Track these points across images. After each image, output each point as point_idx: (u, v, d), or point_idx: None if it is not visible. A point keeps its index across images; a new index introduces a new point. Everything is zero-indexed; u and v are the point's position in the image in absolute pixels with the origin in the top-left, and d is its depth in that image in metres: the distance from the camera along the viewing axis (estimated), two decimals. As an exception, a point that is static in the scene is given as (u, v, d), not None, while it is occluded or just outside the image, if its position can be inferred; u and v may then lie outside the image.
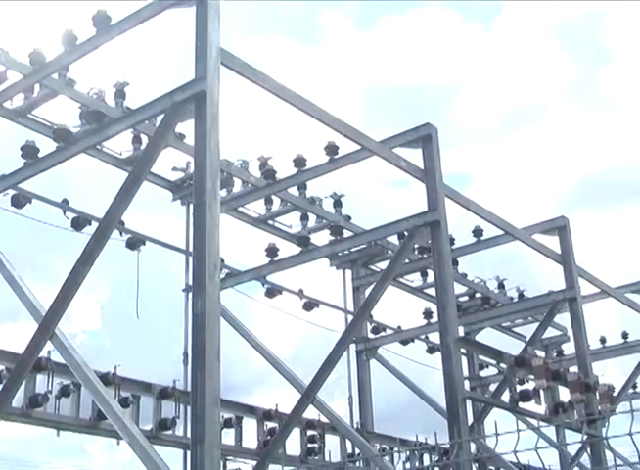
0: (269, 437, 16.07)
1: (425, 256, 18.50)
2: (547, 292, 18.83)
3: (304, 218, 17.75)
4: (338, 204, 17.98)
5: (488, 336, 21.28)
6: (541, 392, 13.56)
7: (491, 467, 18.59)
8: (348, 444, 17.65)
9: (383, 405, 19.99)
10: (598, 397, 14.81)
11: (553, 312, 18.34)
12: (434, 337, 20.25)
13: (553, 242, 18.31)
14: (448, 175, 14.71)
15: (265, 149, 17.13)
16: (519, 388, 14.23)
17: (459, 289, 20.32)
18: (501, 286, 21.42)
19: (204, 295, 9.44)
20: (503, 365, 17.35)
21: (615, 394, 16.41)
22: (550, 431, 18.56)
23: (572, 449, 18.13)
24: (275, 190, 16.71)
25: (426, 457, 18.89)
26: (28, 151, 13.40)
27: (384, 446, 19.02)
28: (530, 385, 14.08)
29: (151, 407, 14.55)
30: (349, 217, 18.14)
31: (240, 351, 17.95)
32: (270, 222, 17.97)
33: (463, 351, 15.85)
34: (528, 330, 21.04)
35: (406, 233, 15.16)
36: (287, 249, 17.16)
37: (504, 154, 65.77)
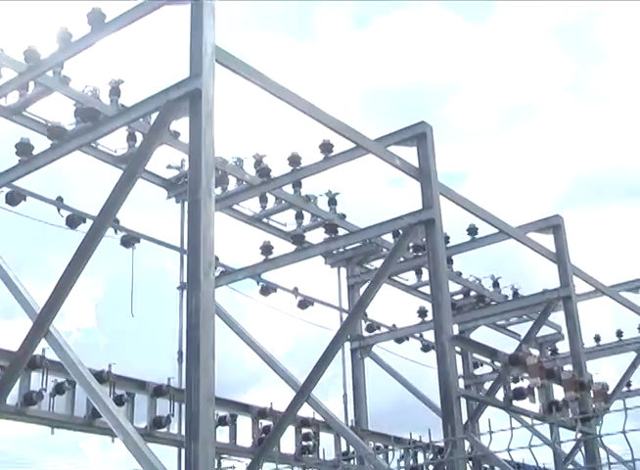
0: (264, 435, 16.06)
1: (420, 254, 18.50)
2: (542, 290, 18.84)
3: (299, 216, 17.75)
4: (332, 202, 17.98)
5: (483, 334, 21.32)
6: (535, 390, 13.57)
7: (486, 465, 18.64)
8: (343, 442, 17.66)
9: (377, 403, 20.01)
10: (592, 395, 14.84)
11: (547, 311, 18.36)
12: (429, 335, 20.32)
13: (548, 240, 18.33)
14: (443, 174, 14.74)
15: (260, 147, 17.15)
16: (513, 386, 14.26)
17: (454, 287, 20.33)
18: (496, 284, 21.44)
19: (198, 292, 9.44)
20: (497, 364, 17.34)
21: (609, 392, 16.43)
22: (544, 429, 18.56)
23: (567, 448, 18.15)
24: (270, 188, 16.71)
25: (420, 455, 18.91)
26: (23, 148, 13.38)
27: (378, 444, 19.02)
28: (525, 383, 14.11)
29: (145, 405, 14.54)
30: (344, 215, 18.16)
31: (234, 348, 17.96)
32: (265, 220, 17.98)
33: (457, 349, 15.89)
34: (523, 328, 21.10)
35: (401, 231, 15.16)
36: (281, 247, 17.18)
37: (499, 152, 65.85)
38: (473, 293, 21.31)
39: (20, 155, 13.29)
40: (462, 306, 21.21)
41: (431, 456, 16.06)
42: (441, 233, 14.19)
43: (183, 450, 9.99)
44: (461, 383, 18.47)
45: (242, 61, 11.57)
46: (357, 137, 13.75)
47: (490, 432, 6.54)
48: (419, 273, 20.41)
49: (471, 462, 17.26)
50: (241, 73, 11.56)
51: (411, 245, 18.09)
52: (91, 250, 11.10)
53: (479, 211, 16.37)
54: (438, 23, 65.63)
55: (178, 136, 15.19)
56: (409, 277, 20.68)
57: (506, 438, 6.37)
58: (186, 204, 12.75)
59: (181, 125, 12.31)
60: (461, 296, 21.45)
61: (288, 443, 16.60)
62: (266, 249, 16.74)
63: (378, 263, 19.13)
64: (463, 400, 13.67)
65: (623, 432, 5.87)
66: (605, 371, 24.78)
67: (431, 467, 14.03)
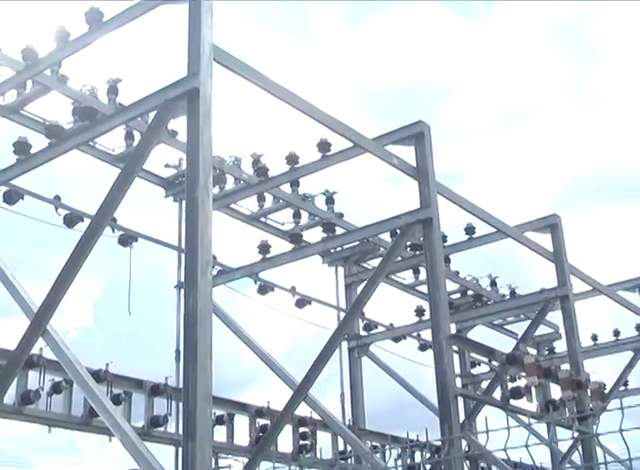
0: (261, 434, 16.07)
1: (417, 253, 18.49)
2: (539, 290, 18.87)
3: (297, 216, 17.75)
4: (330, 201, 17.99)
5: (480, 333, 21.35)
6: (533, 389, 13.58)
7: (483, 464, 18.65)
8: (340, 441, 17.66)
9: (374, 403, 20.02)
10: (589, 394, 14.85)
11: (545, 310, 18.37)
12: (427, 334, 20.27)
13: (545, 240, 18.34)
14: (441, 173, 14.75)
15: (258, 146, 17.17)
16: (510, 385, 14.25)
17: (451, 286, 20.33)
18: (493, 284, 21.44)
19: (195, 291, 9.44)
20: (495, 363, 17.38)
21: (606, 391, 16.46)
22: (542, 428, 18.61)
23: (564, 447, 18.18)
24: (267, 187, 16.71)
25: (417, 454, 18.93)
26: (21, 147, 13.38)
27: (375, 443, 19.02)
28: (522, 382, 14.09)
29: (143, 404, 14.54)
30: (342, 215, 18.16)
31: (232, 348, 17.98)
32: (262, 219, 17.97)
33: (455, 348, 15.88)
34: (520, 328, 21.10)
35: (398, 230, 15.16)
36: (279, 246, 17.18)
37: (497, 152, 65.94)
38: (470, 292, 21.31)
39: (17, 153, 13.29)
40: (459, 306, 21.22)
41: (428, 455, 16.08)
42: (439, 232, 14.20)
43: (180, 449, 9.99)
44: (458, 382, 18.47)
45: (240, 60, 11.58)
46: (355, 136, 13.76)
47: (487, 431, 6.54)
48: (416, 272, 20.42)
49: (468, 461, 17.30)
50: (239, 72, 11.56)
51: (408, 244, 18.09)
52: (89, 249, 11.10)
53: (476, 211, 16.39)
54: (437, 22, 65.72)
55: (176, 135, 15.19)
56: (406, 276, 20.68)
57: (503, 437, 6.37)
58: (184, 203, 12.72)
59: (179, 124, 12.33)
60: (458, 295, 21.46)
61: (285, 442, 16.64)
62: (264, 248, 16.74)
63: (375, 262, 19.12)
64: (460, 400, 13.66)
65: (620, 431, 5.87)
66: (602, 370, 24.83)
67: (428, 466, 14.03)
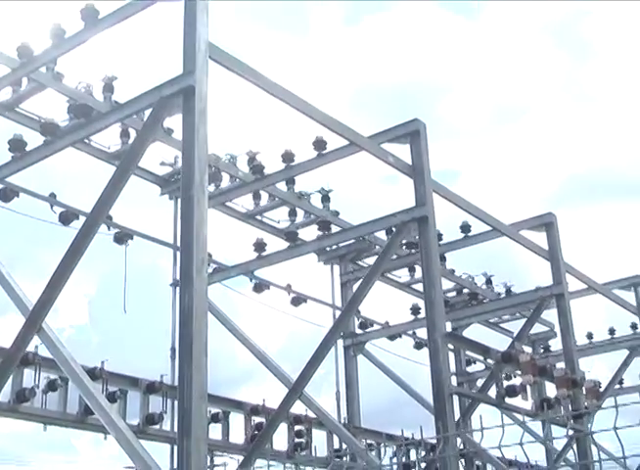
0: (256, 432, 16.08)
1: (413, 251, 18.52)
2: (534, 288, 18.88)
3: (292, 214, 17.74)
4: (326, 199, 17.98)
5: (476, 332, 21.37)
6: (528, 387, 13.61)
7: (478, 462, 18.68)
8: (335, 439, 17.68)
9: (370, 401, 20.03)
10: (584, 392, 14.87)
11: (540, 308, 18.38)
12: (422, 332, 20.29)
13: (541, 238, 18.34)
14: (436, 171, 14.75)
15: (253, 144, 17.15)
16: (505, 383, 14.30)
17: (447, 285, 20.35)
18: (489, 282, 21.45)
19: (191, 289, 9.43)
20: (490, 361, 17.38)
21: (601, 390, 16.48)
22: (537, 426, 18.62)
23: (559, 445, 18.19)
24: (263, 185, 16.71)
25: (412, 452, 18.94)
26: (16, 144, 13.37)
27: (370, 441, 19.05)
28: (517, 381, 14.12)
29: (138, 402, 14.54)
30: (337, 213, 18.16)
31: (227, 346, 17.99)
32: (258, 217, 17.97)
33: (450, 346, 15.88)
34: (516, 326, 21.11)
35: (394, 229, 15.18)
36: (275, 244, 17.18)
37: (492, 150, 66.00)
38: (465, 290, 21.32)
39: (13, 151, 13.28)
40: (455, 304, 21.22)
41: (423, 453, 16.07)
42: (434, 230, 14.21)
43: (176, 447, 9.98)
44: (454, 380, 18.46)
45: (235, 58, 11.57)
46: (351, 134, 13.76)
47: (482, 429, 6.55)
48: (412, 270, 20.43)
49: (463, 459, 17.32)
50: (234, 70, 11.56)
51: (404, 242, 18.10)
52: (84, 246, 11.08)
53: (472, 209, 16.39)
54: (433, 21, 65.75)
55: (171, 133, 15.19)
56: (402, 274, 20.70)
57: (498, 435, 6.38)
58: (179, 200, 12.75)
59: (174, 122, 12.29)
60: (454, 293, 21.46)
61: (280, 440, 16.66)
62: (259, 246, 16.74)
63: (371, 261, 19.14)
64: (455, 398, 13.68)
65: (615, 429, 5.88)
66: (597, 369, 24.89)
67: (423, 464, 14.04)
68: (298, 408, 16.06)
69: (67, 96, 14.27)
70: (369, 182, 41.97)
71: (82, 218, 14.11)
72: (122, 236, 15.85)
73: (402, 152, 14.53)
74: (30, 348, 12.35)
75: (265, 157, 16.63)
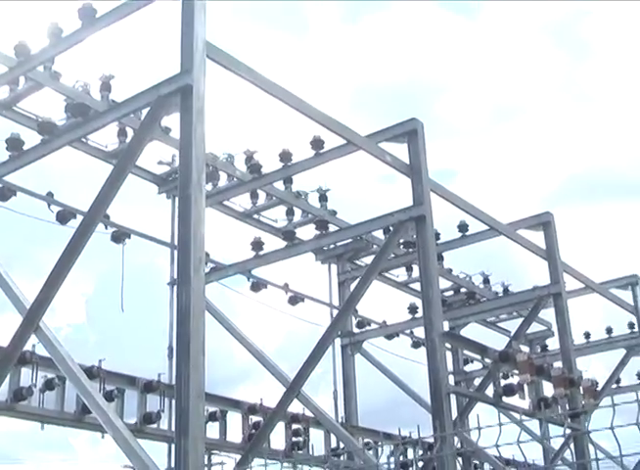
0: (254, 431, 16.07)
1: (410, 250, 18.52)
2: (532, 287, 18.90)
3: (290, 213, 17.74)
4: (323, 198, 17.98)
5: (473, 331, 21.36)
6: (525, 386, 13.62)
7: (475, 461, 18.69)
8: (333, 438, 17.67)
9: (367, 400, 20.04)
10: (581, 392, 14.89)
11: (538, 308, 18.39)
12: (419, 332, 20.28)
13: (538, 237, 18.36)
14: (434, 171, 14.76)
15: (251, 143, 17.14)
16: (503, 382, 14.29)
17: (444, 284, 20.35)
18: (486, 281, 21.46)
19: (188, 288, 9.44)
20: (488, 360, 17.38)
21: (598, 389, 16.49)
22: (534, 425, 18.65)
23: (556, 444, 18.22)
24: (261, 184, 16.70)
25: (410, 451, 18.94)
26: (13, 143, 13.35)
27: (368, 440, 19.03)
28: (515, 380, 14.13)
29: (135, 401, 14.53)
30: (335, 212, 18.16)
31: (225, 345, 17.98)
32: (256, 216, 17.95)
33: (448, 345, 15.90)
34: (513, 325, 21.12)
35: (391, 228, 15.17)
36: (272, 243, 17.19)
37: (489, 150, 65.99)
38: (463, 289, 21.31)
39: (10, 150, 13.27)
40: (452, 303, 21.22)
41: (420, 452, 16.08)
42: (432, 230, 14.21)
43: (173, 446, 9.98)
44: (451, 379, 18.48)
45: (233, 57, 11.57)
46: (348, 134, 13.76)
47: (479, 428, 6.54)
48: (409, 270, 20.43)
49: (460, 458, 17.34)
50: (232, 69, 11.56)
51: (402, 241, 18.11)
52: (81, 245, 11.08)
53: (469, 208, 16.40)
54: (431, 21, 65.74)
55: (169, 132, 15.19)
56: (399, 274, 20.70)
57: (495, 434, 6.38)
58: (177, 199, 12.72)
59: (172, 121, 12.30)
60: (451, 292, 21.47)
61: (278, 439, 16.65)
62: (257, 245, 16.74)
63: (368, 260, 19.13)
64: (453, 397, 13.68)
65: (612, 428, 5.88)
66: (594, 368, 24.88)
67: (420, 463, 14.05)
68: (296, 407, 16.06)
69: (64, 95, 14.25)
70: (366, 181, 42.01)
71: (80, 217, 14.08)
72: (120, 235, 15.83)
73: (400, 151, 14.54)
74: (28, 346, 12.36)
75: (263, 156, 16.66)
